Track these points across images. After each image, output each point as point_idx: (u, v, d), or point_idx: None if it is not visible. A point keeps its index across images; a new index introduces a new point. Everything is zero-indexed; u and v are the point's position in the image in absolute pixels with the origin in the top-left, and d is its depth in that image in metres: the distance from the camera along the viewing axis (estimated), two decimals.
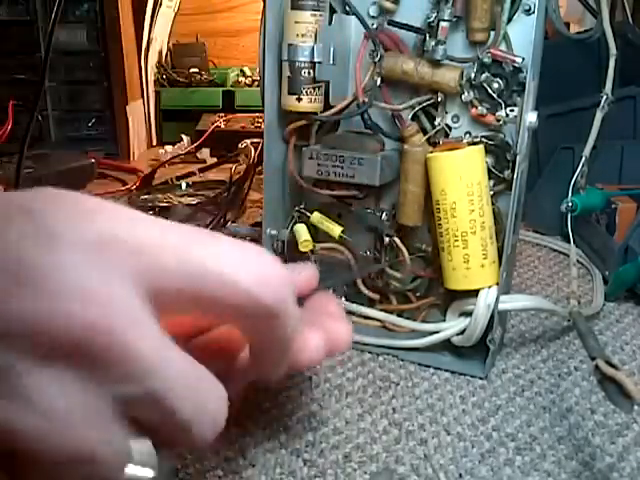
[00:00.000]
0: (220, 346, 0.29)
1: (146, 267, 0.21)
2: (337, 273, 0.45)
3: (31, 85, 1.09)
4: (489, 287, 0.40)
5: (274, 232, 0.46)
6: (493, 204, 0.41)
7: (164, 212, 0.75)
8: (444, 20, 0.39)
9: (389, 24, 0.41)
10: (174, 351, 0.22)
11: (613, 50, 0.50)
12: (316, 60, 0.41)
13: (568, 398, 0.40)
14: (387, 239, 0.44)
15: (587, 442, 0.36)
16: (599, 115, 0.51)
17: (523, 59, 0.39)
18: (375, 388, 0.41)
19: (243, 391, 0.31)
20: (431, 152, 0.41)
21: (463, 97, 0.41)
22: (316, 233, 0.45)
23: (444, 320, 0.44)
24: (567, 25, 0.94)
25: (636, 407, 0.31)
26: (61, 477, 0.21)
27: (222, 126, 1.31)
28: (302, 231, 0.44)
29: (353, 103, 0.42)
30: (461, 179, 0.39)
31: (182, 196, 0.82)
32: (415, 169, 0.41)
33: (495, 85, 0.40)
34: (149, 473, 0.22)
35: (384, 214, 0.44)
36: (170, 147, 1.15)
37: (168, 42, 1.55)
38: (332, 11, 0.42)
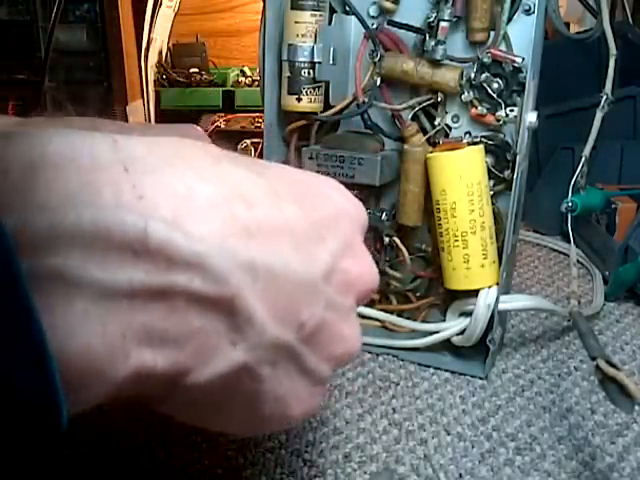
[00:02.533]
0: None
1: None
2: None
3: (31, 85, 1.09)
4: (489, 287, 0.40)
5: None
6: (493, 204, 0.41)
7: None
8: (444, 20, 0.39)
9: (389, 24, 0.41)
10: None
11: (613, 50, 0.50)
12: (316, 60, 0.41)
13: (568, 398, 0.40)
14: (387, 239, 0.44)
15: (587, 442, 0.36)
16: (599, 115, 0.51)
17: (523, 59, 0.39)
18: (375, 388, 0.41)
19: None
20: (431, 152, 0.41)
21: (463, 97, 0.41)
22: None
23: (444, 320, 0.44)
24: (567, 25, 0.94)
25: (636, 407, 0.31)
26: None
27: (222, 126, 1.31)
28: None
29: (353, 103, 0.42)
30: (461, 179, 0.39)
31: None
32: (415, 169, 0.41)
33: (495, 85, 0.40)
34: None
35: (384, 214, 0.44)
36: None
37: (168, 42, 1.55)
38: (332, 11, 0.42)
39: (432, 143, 0.42)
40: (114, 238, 0.18)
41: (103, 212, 0.18)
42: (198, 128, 0.43)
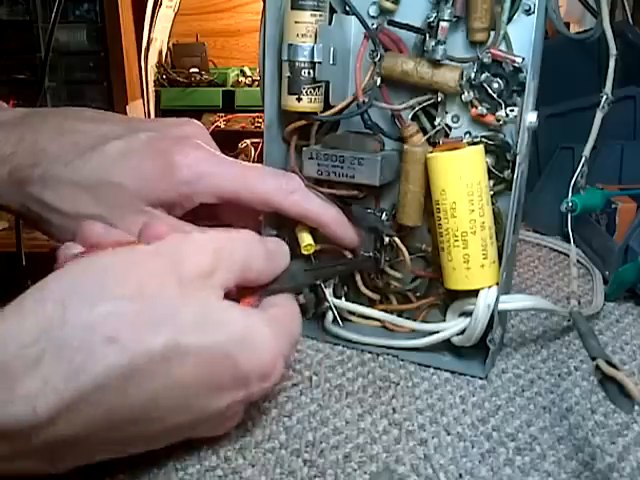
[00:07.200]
0: None
1: None
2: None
3: (31, 85, 1.09)
4: (489, 287, 0.40)
5: (273, 232, 0.46)
6: (493, 204, 0.41)
7: None
8: (444, 20, 0.39)
9: (389, 24, 0.41)
10: None
11: (613, 50, 0.50)
12: (316, 60, 0.41)
13: (568, 398, 0.40)
14: (387, 239, 0.44)
15: (587, 442, 0.36)
16: (599, 115, 0.50)
17: (523, 59, 0.39)
18: (375, 388, 0.41)
19: None
20: (431, 152, 0.41)
21: (463, 97, 0.41)
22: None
23: (444, 320, 0.44)
24: (567, 25, 0.94)
25: (636, 407, 0.31)
26: None
27: (222, 126, 1.31)
28: (305, 234, 0.44)
29: (353, 103, 0.42)
30: (461, 179, 0.39)
31: None
32: (415, 169, 0.41)
33: (495, 85, 0.40)
34: None
35: (384, 214, 0.44)
36: None
37: (168, 42, 1.55)
38: (332, 11, 0.42)
39: (432, 143, 0.42)
40: None
41: None
42: (198, 123, 0.43)
